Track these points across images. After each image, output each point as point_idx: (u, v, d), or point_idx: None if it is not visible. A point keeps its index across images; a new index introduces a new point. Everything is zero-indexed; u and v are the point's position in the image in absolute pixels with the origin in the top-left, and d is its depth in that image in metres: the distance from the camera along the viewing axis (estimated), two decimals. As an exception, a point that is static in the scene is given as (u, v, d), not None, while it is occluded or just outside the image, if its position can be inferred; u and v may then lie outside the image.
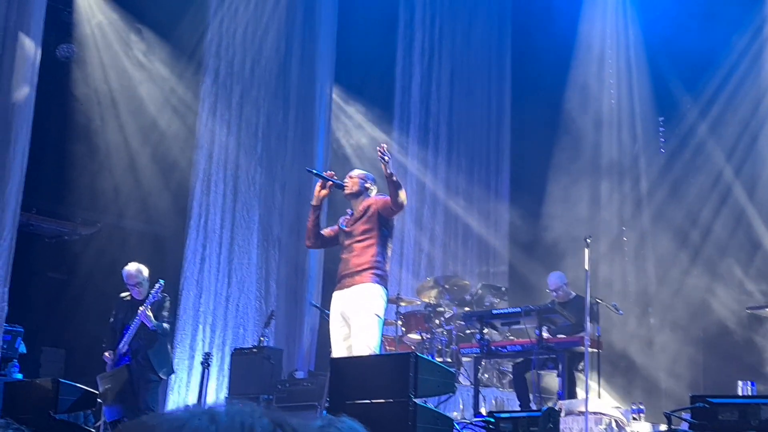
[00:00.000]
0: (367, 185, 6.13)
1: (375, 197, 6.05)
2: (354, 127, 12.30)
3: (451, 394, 5.11)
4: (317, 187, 6.13)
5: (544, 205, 11.92)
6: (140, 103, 10.99)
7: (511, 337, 8.81)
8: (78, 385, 6.37)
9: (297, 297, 10.85)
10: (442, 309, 9.57)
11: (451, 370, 5.22)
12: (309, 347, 10.63)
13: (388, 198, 5.85)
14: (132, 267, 7.82)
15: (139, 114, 10.98)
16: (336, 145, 12.01)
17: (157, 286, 7.55)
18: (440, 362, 6.40)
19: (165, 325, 7.69)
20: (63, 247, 11.06)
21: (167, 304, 7.82)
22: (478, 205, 12.53)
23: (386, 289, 5.88)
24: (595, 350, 7.90)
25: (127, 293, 7.89)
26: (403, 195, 5.78)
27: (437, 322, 9.40)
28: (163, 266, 9.63)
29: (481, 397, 8.19)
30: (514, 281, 11.97)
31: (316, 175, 6.15)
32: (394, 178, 5.73)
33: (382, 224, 5.93)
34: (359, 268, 5.83)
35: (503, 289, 10.34)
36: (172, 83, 11.04)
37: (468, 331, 9.29)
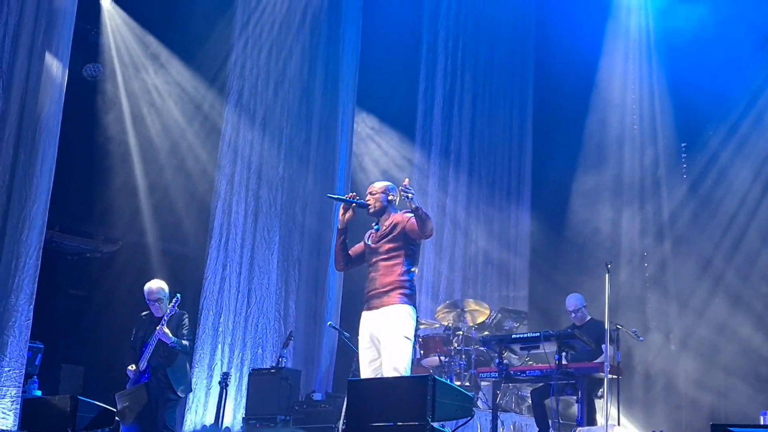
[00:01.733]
0: (390, 197, 6.07)
1: (403, 215, 5.97)
2: (376, 148, 12.32)
3: (469, 418, 5.03)
4: (341, 211, 6.09)
5: (565, 229, 11.88)
6: (164, 123, 11.05)
7: (531, 362, 8.76)
8: (96, 402, 6.36)
9: (316, 318, 10.80)
10: (460, 332, 9.52)
11: (470, 394, 5.16)
12: (327, 369, 10.57)
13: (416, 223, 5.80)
14: (153, 283, 7.84)
15: (163, 133, 11.04)
16: (358, 167, 12.03)
17: (174, 300, 7.57)
18: (458, 386, 6.35)
19: (185, 342, 7.68)
20: (85, 265, 11.11)
21: (186, 320, 7.81)
22: (498, 229, 12.50)
23: (415, 308, 5.80)
24: (615, 376, 7.82)
25: (147, 312, 7.89)
26: (430, 225, 5.74)
27: (456, 345, 9.35)
28: (183, 285, 9.51)
29: (499, 422, 8.11)
30: (534, 306, 11.91)
31: (338, 199, 6.08)
32: (421, 212, 5.68)
33: (409, 242, 5.88)
34: (387, 288, 5.74)
35: (523, 313, 10.28)
36: (197, 104, 11.08)
37: (487, 355, 9.25)
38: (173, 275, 9.38)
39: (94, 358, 10.45)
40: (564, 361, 7.66)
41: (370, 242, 5.97)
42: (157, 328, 7.51)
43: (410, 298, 5.75)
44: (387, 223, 5.92)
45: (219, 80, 10.86)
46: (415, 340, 9.16)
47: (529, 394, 9.03)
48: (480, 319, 9.88)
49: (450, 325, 9.69)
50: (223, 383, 8.54)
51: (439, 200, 12.08)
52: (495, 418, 7.93)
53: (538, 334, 7.74)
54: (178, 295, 7.66)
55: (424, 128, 12.12)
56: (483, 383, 9.00)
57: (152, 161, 11.02)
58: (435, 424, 4.65)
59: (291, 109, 11.05)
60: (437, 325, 9.99)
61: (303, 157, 11.12)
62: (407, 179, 5.76)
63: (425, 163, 12.06)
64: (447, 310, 9.89)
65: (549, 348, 7.76)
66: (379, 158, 12.24)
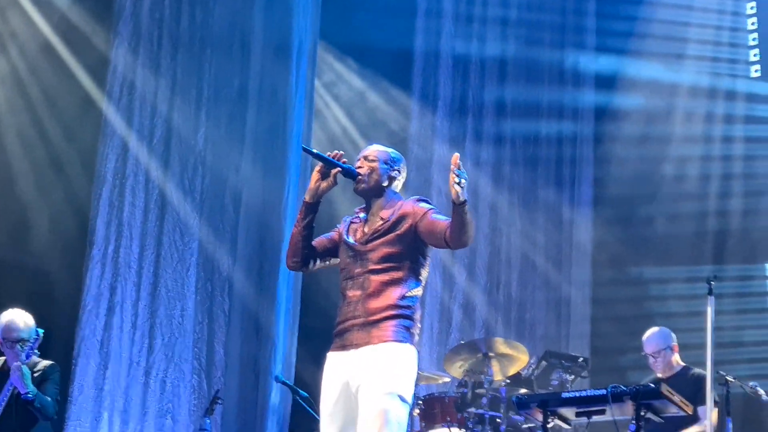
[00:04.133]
0: (394, 174, 5.88)
1: (415, 205, 5.76)
2: (356, 97, 12.44)
3: None
4: (314, 175, 5.86)
5: (646, 230, 11.93)
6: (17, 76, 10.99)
7: (593, 436, 8.70)
8: None
9: (257, 368, 10.90)
10: (483, 390, 9.47)
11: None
12: (275, 446, 10.72)
13: (442, 223, 5.58)
14: (14, 316, 7.94)
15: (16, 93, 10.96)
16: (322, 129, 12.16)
17: (34, 338, 7.71)
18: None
19: (48, 398, 7.75)
20: None
21: (56, 374, 7.95)
22: (543, 229, 12.61)
23: (418, 351, 5.64)
24: (726, 456, 7.81)
25: None
26: (471, 233, 5.50)
27: (475, 410, 9.29)
28: (49, 319, 9.50)
29: None
30: (597, 350, 11.90)
31: (316, 156, 5.83)
32: (467, 210, 5.42)
33: (418, 249, 5.68)
34: (377, 316, 5.57)
35: (580, 360, 10.23)
36: (64, 32, 11.05)
37: (525, 426, 9.24)
38: (32, 304, 9.30)
39: None
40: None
41: (351, 239, 5.78)
42: (12, 366, 7.59)
43: (412, 335, 5.59)
44: (386, 213, 5.74)
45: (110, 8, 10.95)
46: (413, 401, 9.12)
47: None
48: (514, 369, 9.85)
49: (467, 379, 9.63)
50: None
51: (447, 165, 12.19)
52: None
53: (605, 391, 7.70)
54: (40, 330, 7.80)
55: (425, 72, 12.41)
56: (518, 469, 8.98)
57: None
58: None
59: (216, 44, 11.20)
60: (446, 380, 9.98)
61: (236, 118, 11.23)
62: (457, 155, 5.47)
63: (428, 117, 12.24)
64: (462, 355, 9.83)
65: (620, 413, 7.72)
66: (358, 116, 12.35)
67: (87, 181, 10.58)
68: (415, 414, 9.33)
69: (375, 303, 5.53)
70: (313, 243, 5.88)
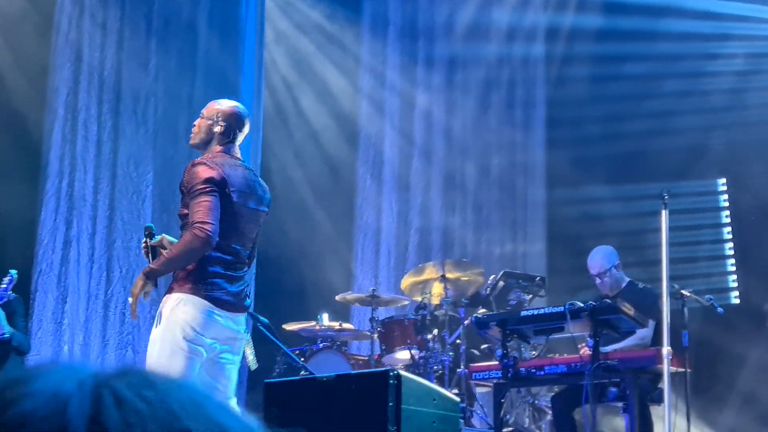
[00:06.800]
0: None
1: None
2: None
3: (456, 435, 5.06)
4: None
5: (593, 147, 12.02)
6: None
7: (551, 354, 8.80)
8: None
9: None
10: (442, 312, 9.52)
11: (455, 398, 5.18)
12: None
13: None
14: None
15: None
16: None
17: (6, 279, 7.81)
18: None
19: (21, 334, 7.90)
20: None
21: (20, 305, 8.13)
22: (497, 148, 12.65)
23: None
24: (681, 369, 7.89)
25: None
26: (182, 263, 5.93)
27: (435, 332, 9.37)
28: (3, 254, 9.64)
29: (505, 446, 8.19)
30: (554, 269, 11.99)
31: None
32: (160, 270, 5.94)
33: None
34: None
35: (538, 278, 10.30)
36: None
37: (483, 346, 9.34)
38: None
39: None
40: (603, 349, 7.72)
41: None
42: None
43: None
44: None
45: None
46: (372, 328, 9.20)
47: (549, 403, 9.08)
48: (471, 290, 9.90)
49: (425, 301, 9.70)
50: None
51: (405, 93, 12.31)
52: (499, 440, 7.98)
53: (562, 308, 7.77)
54: (12, 272, 7.88)
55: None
56: (479, 389, 9.07)
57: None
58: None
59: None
60: (405, 302, 10.02)
61: (186, 48, 11.21)
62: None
63: (379, 45, 12.30)
64: (420, 277, 9.89)
65: (579, 330, 7.81)
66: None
67: (40, 112, 10.47)
68: (376, 337, 9.47)
69: None
70: None
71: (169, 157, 10.91)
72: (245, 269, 6.16)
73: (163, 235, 6.18)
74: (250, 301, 6.21)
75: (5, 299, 7.76)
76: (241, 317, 6.10)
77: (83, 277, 10.41)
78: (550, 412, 9.10)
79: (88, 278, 10.43)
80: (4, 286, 7.73)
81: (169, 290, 5.94)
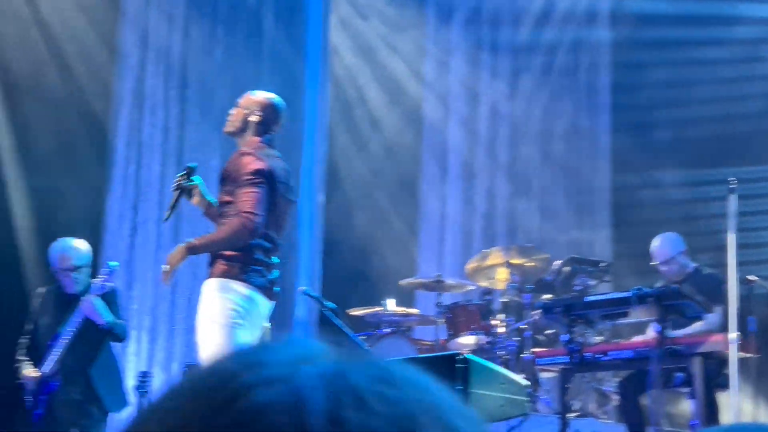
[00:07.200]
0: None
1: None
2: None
3: (521, 418, 5.08)
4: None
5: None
6: None
7: (617, 339, 8.73)
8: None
9: (283, 284, 10.85)
10: (508, 297, 9.55)
11: (522, 382, 5.19)
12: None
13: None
14: (66, 243, 7.97)
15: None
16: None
17: (106, 271, 7.70)
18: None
19: (120, 322, 7.81)
20: None
21: (116, 295, 8.01)
22: (564, 133, 12.61)
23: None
24: (747, 355, 7.85)
25: (50, 286, 8.05)
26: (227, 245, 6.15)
27: (501, 317, 9.39)
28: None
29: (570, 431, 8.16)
30: (621, 254, 11.94)
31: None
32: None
33: None
34: None
35: (603, 264, 10.28)
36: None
37: (549, 331, 9.32)
38: (44, 227, 9.40)
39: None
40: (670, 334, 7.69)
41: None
42: (82, 299, 7.58)
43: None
44: None
45: None
46: (439, 313, 9.22)
47: (614, 388, 9.07)
48: (537, 276, 9.91)
49: (491, 287, 9.71)
50: (142, 389, 8.57)
51: (470, 80, 12.33)
52: (564, 426, 7.96)
53: (629, 293, 7.75)
54: (112, 263, 7.85)
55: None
56: (543, 374, 9.06)
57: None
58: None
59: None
60: (470, 288, 10.03)
61: (253, 33, 11.23)
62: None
63: (443, 33, 12.31)
64: (485, 263, 9.89)
65: (645, 315, 7.78)
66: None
67: (107, 102, 10.54)
68: (441, 322, 9.48)
69: None
70: None
71: (234, 144, 10.96)
72: (277, 257, 6.29)
73: (198, 184, 6.29)
74: (278, 289, 6.30)
75: (106, 290, 7.69)
76: (270, 305, 6.21)
77: (150, 265, 10.48)
78: (615, 397, 9.08)
79: (155, 266, 10.44)
80: (105, 277, 7.67)
81: (211, 274, 6.03)
